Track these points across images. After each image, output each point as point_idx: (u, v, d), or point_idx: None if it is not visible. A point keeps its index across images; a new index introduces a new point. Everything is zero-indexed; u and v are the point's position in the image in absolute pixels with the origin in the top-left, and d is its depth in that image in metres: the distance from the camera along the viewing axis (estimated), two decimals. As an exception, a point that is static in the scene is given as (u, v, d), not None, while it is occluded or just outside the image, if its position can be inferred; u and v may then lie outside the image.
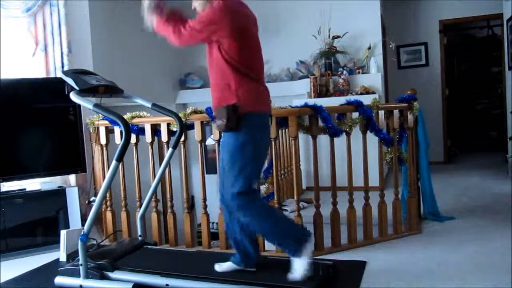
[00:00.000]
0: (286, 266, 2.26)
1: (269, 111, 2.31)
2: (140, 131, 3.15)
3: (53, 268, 2.68)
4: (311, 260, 2.20)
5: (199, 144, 3.02)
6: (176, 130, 2.82)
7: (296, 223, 2.56)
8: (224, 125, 2.10)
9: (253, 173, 2.17)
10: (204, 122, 3.00)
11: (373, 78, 4.83)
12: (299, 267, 2.17)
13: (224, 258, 2.38)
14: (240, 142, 2.13)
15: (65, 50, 3.63)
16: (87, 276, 2.30)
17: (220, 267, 2.33)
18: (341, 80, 4.78)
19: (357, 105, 2.87)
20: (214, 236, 3.16)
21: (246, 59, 2.14)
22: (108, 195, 3.26)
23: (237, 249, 2.31)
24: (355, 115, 2.91)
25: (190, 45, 2.22)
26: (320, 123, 2.80)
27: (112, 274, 2.33)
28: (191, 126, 3.00)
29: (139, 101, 2.71)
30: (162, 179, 2.98)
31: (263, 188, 3.10)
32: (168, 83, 5.62)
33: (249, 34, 2.18)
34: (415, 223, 3.16)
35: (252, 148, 2.13)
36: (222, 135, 2.35)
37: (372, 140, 3.04)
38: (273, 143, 2.83)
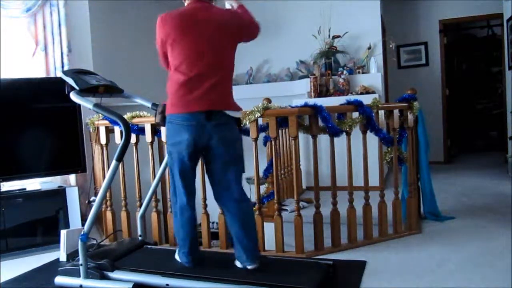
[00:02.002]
0: (286, 266, 2.26)
1: (202, 109, 2.19)
2: (140, 131, 3.15)
3: (53, 268, 2.68)
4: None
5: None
6: (176, 130, 2.81)
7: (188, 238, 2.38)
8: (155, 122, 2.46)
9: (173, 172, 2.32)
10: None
11: (373, 78, 4.83)
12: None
13: (224, 257, 2.37)
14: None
15: (65, 50, 3.63)
16: (87, 276, 2.30)
17: None
18: (341, 80, 4.78)
19: (357, 105, 2.86)
20: (214, 235, 3.16)
21: (175, 62, 2.25)
22: (108, 195, 3.26)
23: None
24: (355, 115, 2.91)
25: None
26: (320, 123, 2.80)
27: (112, 274, 2.33)
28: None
29: (139, 101, 2.71)
30: (162, 179, 2.98)
31: (263, 188, 3.09)
32: (168, 83, 5.61)
33: (181, 36, 2.21)
34: (415, 223, 3.16)
35: (169, 145, 2.30)
36: None
37: (372, 140, 3.04)
38: (273, 142, 2.83)
